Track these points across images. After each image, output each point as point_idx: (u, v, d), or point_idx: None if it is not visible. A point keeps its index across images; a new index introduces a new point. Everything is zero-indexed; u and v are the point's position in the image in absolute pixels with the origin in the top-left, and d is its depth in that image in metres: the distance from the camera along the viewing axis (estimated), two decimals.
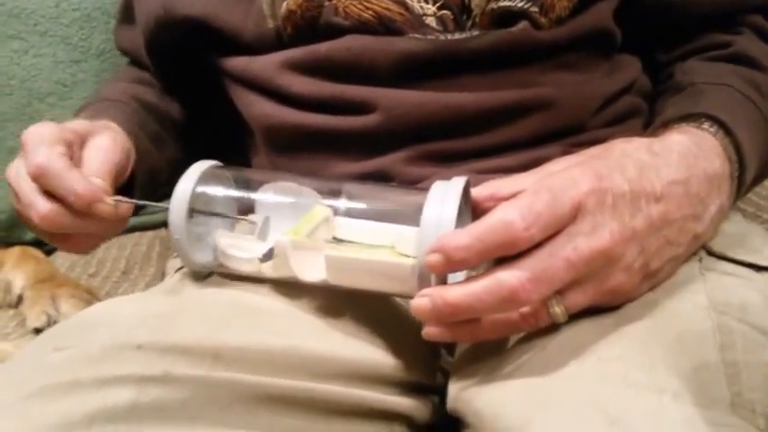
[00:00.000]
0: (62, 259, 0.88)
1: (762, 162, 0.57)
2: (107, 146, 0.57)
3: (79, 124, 0.58)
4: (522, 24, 0.58)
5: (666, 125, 0.56)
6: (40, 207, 0.52)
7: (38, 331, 0.71)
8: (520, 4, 0.57)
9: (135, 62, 0.78)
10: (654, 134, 0.55)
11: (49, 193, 0.53)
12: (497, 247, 0.42)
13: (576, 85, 0.61)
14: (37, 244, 0.91)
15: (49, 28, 0.94)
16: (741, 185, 0.55)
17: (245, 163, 0.69)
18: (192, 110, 0.75)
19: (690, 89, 0.62)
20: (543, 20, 0.58)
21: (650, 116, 0.65)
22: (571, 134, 0.60)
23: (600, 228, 0.44)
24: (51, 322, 0.71)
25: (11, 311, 0.76)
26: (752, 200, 0.80)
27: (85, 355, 0.45)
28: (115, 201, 0.53)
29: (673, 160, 0.49)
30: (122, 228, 0.57)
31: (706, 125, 0.54)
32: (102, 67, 0.95)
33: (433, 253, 0.43)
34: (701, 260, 0.52)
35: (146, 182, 0.63)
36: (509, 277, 0.42)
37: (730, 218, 0.58)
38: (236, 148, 0.70)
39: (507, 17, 0.58)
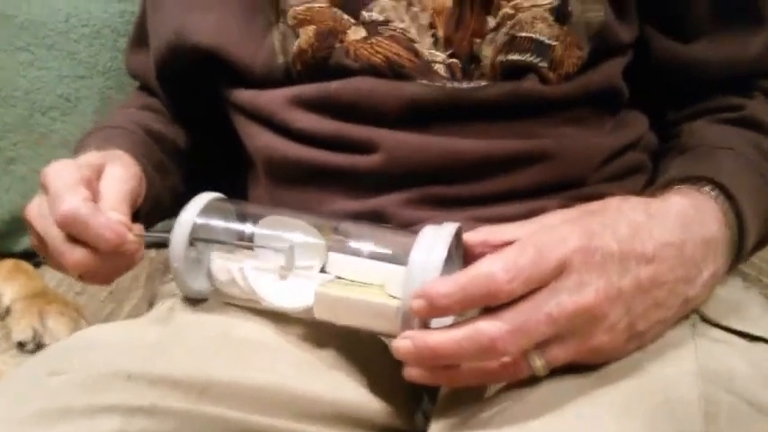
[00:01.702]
0: (50, 275, 0.89)
1: (764, 228, 0.58)
2: (121, 176, 0.59)
3: (93, 157, 0.60)
4: (530, 78, 0.59)
5: (668, 186, 0.57)
6: (71, 256, 0.54)
7: (21, 345, 0.73)
8: (529, 59, 0.59)
9: (144, 87, 0.79)
10: (654, 194, 0.55)
11: (74, 239, 0.54)
12: (479, 297, 0.44)
13: (579, 139, 0.62)
14: (26, 256, 0.92)
15: (56, 41, 0.95)
16: (741, 251, 0.56)
17: (244, 193, 0.71)
18: (197, 138, 0.76)
19: (695, 151, 0.63)
20: (552, 75, 0.60)
21: (654, 173, 0.66)
22: (572, 187, 0.61)
23: (585, 285, 0.44)
24: (37, 337, 0.73)
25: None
26: (754, 263, 0.81)
27: (78, 381, 0.47)
28: (136, 235, 0.55)
29: (668, 222, 0.50)
30: (141, 257, 0.58)
31: (707, 189, 0.55)
32: (107, 85, 0.97)
33: (417, 298, 0.44)
34: (693, 325, 0.52)
35: (149, 210, 0.64)
36: (489, 327, 0.43)
37: (728, 283, 0.59)
38: (237, 178, 0.71)
39: (515, 70, 0.59)
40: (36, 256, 0.92)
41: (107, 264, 0.55)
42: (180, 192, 0.71)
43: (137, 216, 0.61)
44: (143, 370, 0.48)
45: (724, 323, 0.53)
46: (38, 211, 0.56)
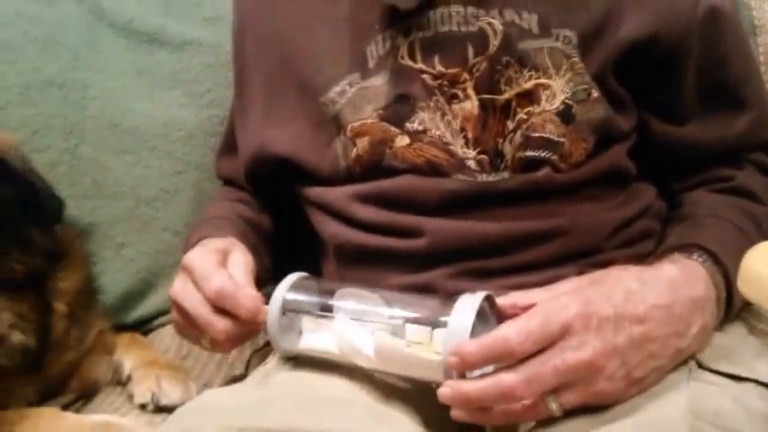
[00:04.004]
0: (158, 342, 1.01)
1: None
2: (243, 261, 0.72)
3: (218, 244, 0.73)
4: (545, 170, 0.70)
5: (663, 253, 0.67)
6: (218, 324, 0.66)
7: (143, 406, 0.83)
8: (542, 154, 0.70)
9: (232, 184, 0.92)
10: (652, 261, 0.66)
11: (219, 311, 0.66)
12: (498, 355, 0.55)
13: (593, 214, 0.72)
14: (135, 327, 1.04)
15: (156, 144, 1.06)
16: (731, 306, 0.65)
17: (317, 267, 0.82)
18: (280, 224, 0.88)
19: (690, 220, 0.72)
20: (563, 165, 0.70)
21: (663, 237, 0.74)
22: (587, 256, 0.71)
23: (585, 344, 0.56)
24: (155, 399, 0.83)
25: (118, 389, 0.88)
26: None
27: None
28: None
29: (658, 287, 0.60)
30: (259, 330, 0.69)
31: (695, 255, 0.65)
32: (200, 178, 1.06)
33: (451, 355, 0.56)
34: (690, 370, 0.62)
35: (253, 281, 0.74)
36: (508, 377, 0.55)
37: (729, 330, 0.67)
38: (311, 256, 0.83)
39: (532, 163, 0.70)
40: (144, 326, 1.06)
41: (241, 332, 0.66)
42: (270, 269, 0.83)
43: None
44: (249, 424, 0.58)
45: (716, 368, 0.62)
46: (183, 289, 0.68)
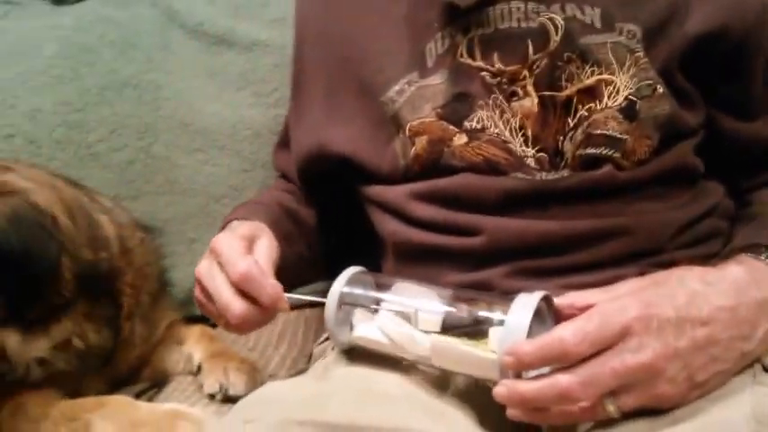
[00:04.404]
0: (225, 333, 1.03)
1: None
2: (268, 246, 0.73)
3: (245, 230, 0.75)
4: (607, 168, 0.69)
5: (730, 254, 0.65)
6: (237, 307, 0.67)
7: (211, 396, 0.86)
8: (604, 152, 0.69)
9: (285, 178, 0.95)
10: (717, 262, 0.64)
11: (241, 294, 0.67)
12: (553, 356, 0.55)
13: (656, 213, 0.70)
14: (205, 318, 1.06)
15: (225, 143, 1.09)
16: None
17: (377, 263, 0.83)
18: (326, 217, 0.90)
19: (758, 220, 0.70)
20: (625, 163, 0.69)
21: (730, 236, 0.73)
22: (649, 256, 0.69)
23: (644, 347, 0.55)
24: (223, 389, 0.85)
25: (190, 378, 0.92)
26: None
27: (265, 427, 0.59)
28: (288, 298, 0.68)
29: (723, 289, 0.59)
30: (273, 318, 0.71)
31: (763, 256, 0.63)
32: (267, 176, 1.07)
33: (507, 355, 0.56)
34: (754, 375, 0.60)
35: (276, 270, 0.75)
36: (563, 379, 0.55)
37: None
38: (371, 252, 0.84)
39: (593, 161, 0.69)
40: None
41: (259, 317, 0.68)
42: (305, 257, 0.85)
43: None
44: (309, 417, 0.59)
45: None
46: (208, 270, 0.70)
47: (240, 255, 0.68)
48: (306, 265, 0.88)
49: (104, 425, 0.75)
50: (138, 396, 0.89)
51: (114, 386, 0.89)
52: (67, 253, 0.79)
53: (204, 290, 0.71)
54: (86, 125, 1.08)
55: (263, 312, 0.68)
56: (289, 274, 0.74)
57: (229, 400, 0.86)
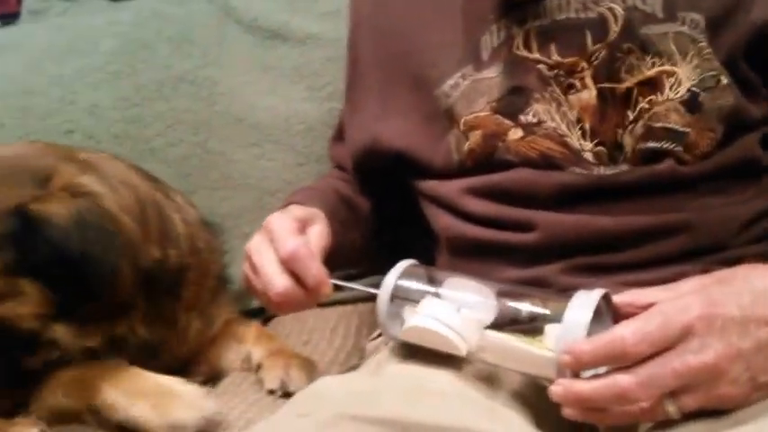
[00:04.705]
0: (281, 327, 1.05)
1: None
2: (320, 232, 0.74)
3: (300, 213, 0.75)
4: (668, 162, 0.67)
5: None
6: (280, 283, 0.68)
7: (271, 392, 0.87)
8: (665, 145, 0.67)
9: (341, 169, 0.95)
10: None
11: (287, 272, 0.68)
12: (612, 356, 0.53)
13: (719, 208, 0.68)
14: (258, 312, 1.07)
15: (280, 138, 1.09)
16: None
17: (431, 257, 0.83)
18: (380, 207, 0.90)
19: None
20: (688, 156, 0.67)
21: None
22: (712, 253, 0.68)
23: (707, 347, 0.53)
24: (283, 385, 0.86)
25: (251, 376, 0.92)
26: None
27: (319, 422, 0.59)
28: (333, 283, 0.69)
29: None
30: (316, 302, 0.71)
31: None
32: (321, 170, 1.07)
33: (565, 353, 0.54)
34: None
35: (328, 257, 0.75)
36: (622, 379, 0.53)
37: None
38: (425, 246, 0.84)
39: (654, 155, 0.67)
40: (266, 312, 1.09)
41: (301, 298, 0.68)
42: (359, 245, 0.85)
43: None
44: (362, 412, 0.59)
45: None
46: (257, 245, 0.71)
47: (291, 234, 0.69)
48: (358, 254, 0.88)
49: (112, 391, 0.77)
50: None
51: None
52: (129, 260, 0.80)
53: (252, 265, 0.71)
54: (143, 120, 1.09)
55: (305, 294, 0.68)
56: (341, 260, 0.74)
57: (289, 395, 0.86)
